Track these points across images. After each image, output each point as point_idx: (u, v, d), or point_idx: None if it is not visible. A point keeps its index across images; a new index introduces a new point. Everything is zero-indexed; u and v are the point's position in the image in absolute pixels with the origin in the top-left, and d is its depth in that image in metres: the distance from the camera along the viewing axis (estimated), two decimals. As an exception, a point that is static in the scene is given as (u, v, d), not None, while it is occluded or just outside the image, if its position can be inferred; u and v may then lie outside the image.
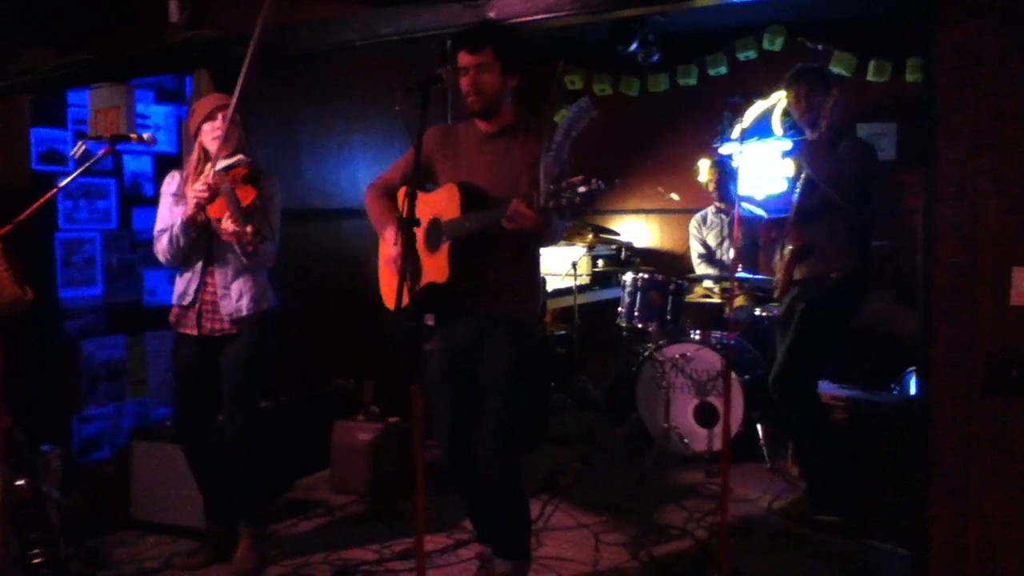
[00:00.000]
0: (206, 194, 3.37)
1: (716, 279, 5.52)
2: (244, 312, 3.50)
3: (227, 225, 3.31)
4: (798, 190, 4.13)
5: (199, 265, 3.54)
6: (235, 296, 3.50)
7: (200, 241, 3.51)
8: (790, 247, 4.06)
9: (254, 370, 3.57)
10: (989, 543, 2.35)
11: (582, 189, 2.43)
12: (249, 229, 3.29)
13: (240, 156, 3.48)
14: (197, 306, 3.53)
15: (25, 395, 4.30)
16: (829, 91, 3.99)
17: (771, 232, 4.33)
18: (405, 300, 2.44)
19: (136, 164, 5.13)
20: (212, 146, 3.48)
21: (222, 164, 3.43)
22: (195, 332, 3.55)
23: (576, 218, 2.95)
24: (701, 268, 5.91)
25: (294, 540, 3.93)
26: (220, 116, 3.47)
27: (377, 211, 3.20)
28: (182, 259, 3.56)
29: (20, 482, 3.25)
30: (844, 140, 3.95)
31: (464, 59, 2.94)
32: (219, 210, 3.35)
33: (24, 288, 3.37)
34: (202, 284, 3.53)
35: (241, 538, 3.64)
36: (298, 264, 4.92)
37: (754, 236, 5.65)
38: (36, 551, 3.32)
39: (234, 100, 3.38)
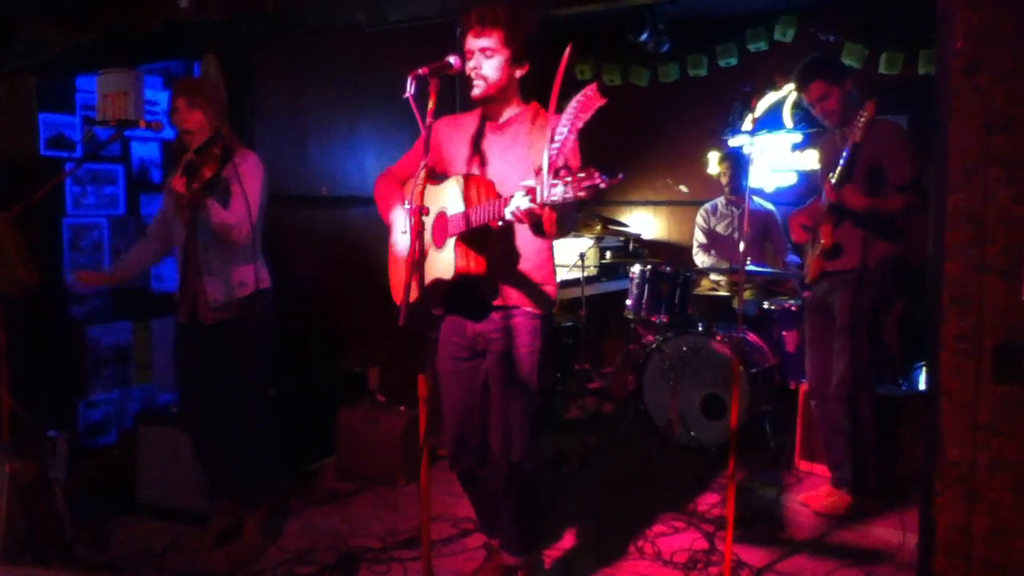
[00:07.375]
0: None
1: (724, 272, 5.49)
2: (222, 302, 3.50)
3: (178, 187, 3.32)
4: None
5: (179, 255, 3.59)
6: (212, 287, 3.50)
7: (178, 233, 3.54)
8: (823, 242, 3.93)
9: (249, 356, 3.57)
10: (996, 531, 2.33)
11: (585, 183, 2.28)
12: (195, 185, 3.28)
13: (209, 136, 3.43)
14: (181, 295, 3.59)
15: (31, 379, 4.30)
16: (841, 84, 3.87)
17: (803, 222, 4.12)
18: (414, 295, 2.39)
19: (144, 150, 5.13)
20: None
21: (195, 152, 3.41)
22: (184, 320, 3.59)
23: (582, 209, 2.82)
24: (699, 257, 5.88)
25: (299, 526, 3.93)
26: (178, 101, 3.50)
27: (387, 202, 3.07)
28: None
29: (24, 464, 3.26)
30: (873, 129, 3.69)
31: (471, 42, 2.79)
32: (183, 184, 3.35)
33: (30, 270, 3.38)
34: (183, 274, 3.57)
35: (245, 522, 3.66)
36: (304, 250, 4.92)
37: (765, 230, 5.64)
38: (42, 533, 3.33)
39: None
